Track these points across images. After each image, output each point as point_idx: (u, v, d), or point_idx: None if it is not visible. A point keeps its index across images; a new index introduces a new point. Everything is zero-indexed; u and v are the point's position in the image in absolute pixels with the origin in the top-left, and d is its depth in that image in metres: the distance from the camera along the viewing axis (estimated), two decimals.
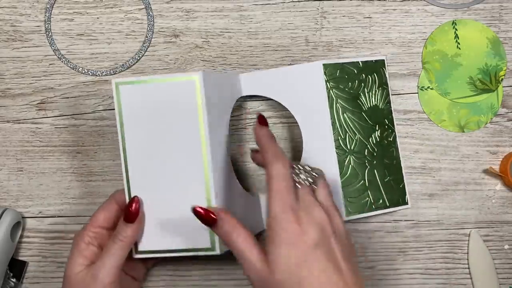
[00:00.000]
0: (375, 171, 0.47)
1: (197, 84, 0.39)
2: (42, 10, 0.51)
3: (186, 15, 0.51)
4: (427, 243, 0.50)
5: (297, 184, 0.37)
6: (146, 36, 0.51)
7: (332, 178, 0.44)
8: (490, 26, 0.51)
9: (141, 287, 0.47)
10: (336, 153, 0.46)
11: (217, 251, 0.39)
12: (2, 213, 0.47)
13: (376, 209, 0.46)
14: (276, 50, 0.51)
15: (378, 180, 0.47)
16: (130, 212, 0.39)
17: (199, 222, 0.36)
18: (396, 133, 0.49)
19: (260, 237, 0.47)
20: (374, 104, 0.48)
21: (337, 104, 0.46)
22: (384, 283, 0.50)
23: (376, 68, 0.49)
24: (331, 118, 0.46)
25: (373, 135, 0.47)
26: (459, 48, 0.51)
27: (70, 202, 0.51)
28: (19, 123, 0.51)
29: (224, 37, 0.51)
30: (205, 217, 0.36)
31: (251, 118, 0.51)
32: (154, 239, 0.40)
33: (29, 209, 0.51)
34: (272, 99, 0.48)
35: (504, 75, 0.51)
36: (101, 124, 0.51)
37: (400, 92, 0.51)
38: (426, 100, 0.51)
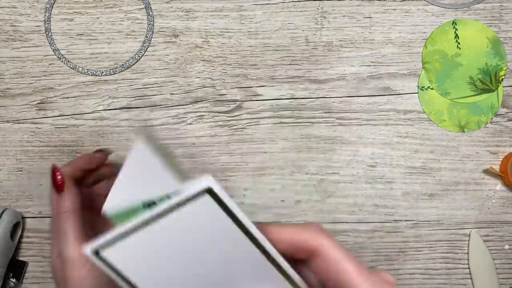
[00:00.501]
0: None
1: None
2: (42, 10, 0.51)
3: (186, 15, 0.51)
4: (427, 243, 0.50)
5: None
6: (146, 36, 0.51)
7: None
8: (490, 26, 0.51)
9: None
10: None
11: None
12: (2, 213, 0.47)
13: None
14: (276, 50, 0.51)
15: None
16: (57, 184, 0.39)
17: None
18: None
19: None
20: None
21: None
22: None
23: None
24: None
25: None
26: (459, 48, 0.51)
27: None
28: (19, 123, 0.51)
29: (224, 37, 0.51)
30: None
31: (251, 118, 0.51)
32: None
33: (29, 209, 0.51)
34: (272, 99, 0.48)
35: (504, 75, 0.51)
36: (101, 124, 0.51)
37: (400, 92, 0.51)
38: (426, 100, 0.51)
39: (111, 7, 0.51)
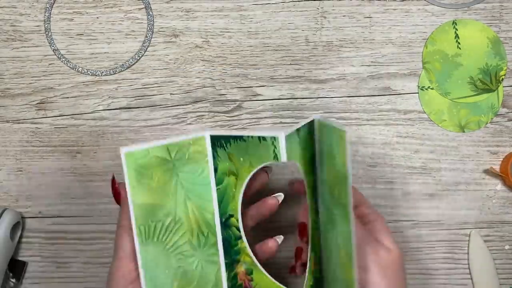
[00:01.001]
0: None
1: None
2: (42, 10, 0.51)
3: (186, 15, 0.51)
4: (427, 243, 0.50)
5: None
6: (146, 36, 0.51)
7: None
8: (490, 26, 0.51)
9: None
10: None
11: None
12: (2, 213, 0.47)
13: None
14: (276, 50, 0.51)
15: None
16: (114, 193, 0.38)
17: None
18: None
19: None
20: None
21: None
22: None
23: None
24: None
25: None
26: (460, 48, 0.51)
27: (70, 202, 0.51)
28: (18, 123, 0.51)
29: (224, 37, 0.51)
30: None
31: (250, 118, 0.51)
32: None
33: (29, 209, 0.51)
34: (272, 99, 0.48)
35: (504, 75, 0.51)
36: (101, 124, 0.51)
37: (400, 92, 0.51)
38: (426, 100, 0.51)
39: (111, 7, 0.51)
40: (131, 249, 0.36)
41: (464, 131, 0.51)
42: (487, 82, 0.51)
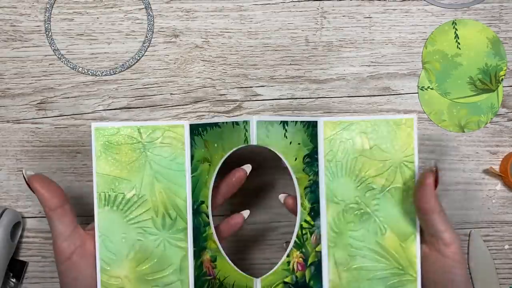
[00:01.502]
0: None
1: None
2: (42, 10, 0.51)
3: (186, 15, 0.51)
4: None
5: None
6: (146, 36, 0.51)
7: None
8: (490, 26, 0.51)
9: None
10: None
11: None
12: (2, 213, 0.47)
13: None
14: (276, 50, 0.51)
15: None
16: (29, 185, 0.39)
17: None
18: None
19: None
20: None
21: None
22: None
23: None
24: None
25: None
26: (459, 48, 0.51)
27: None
28: (19, 123, 0.51)
29: (224, 37, 0.51)
30: None
31: None
32: None
33: (29, 209, 0.51)
34: (272, 99, 0.48)
35: (504, 75, 0.51)
36: None
37: (400, 92, 0.51)
38: (426, 100, 0.51)
39: (111, 7, 0.51)
40: (62, 230, 0.39)
41: (463, 131, 0.51)
42: (487, 82, 0.51)
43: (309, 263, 0.41)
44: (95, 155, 0.40)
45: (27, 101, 0.51)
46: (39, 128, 0.51)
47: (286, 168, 0.41)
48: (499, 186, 0.51)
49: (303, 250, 0.41)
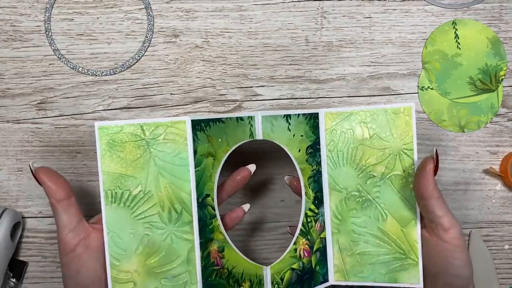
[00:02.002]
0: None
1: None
2: (42, 10, 0.51)
3: (186, 15, 0.51)
4: None
5: None
6: (146, 36, 0.51)
7: None
8: (490, 26, 0.51)
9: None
10: None
11: None
12: (2, 213, 0.47)
13: None
14: (276, 50, 0.51)
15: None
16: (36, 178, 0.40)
17: None
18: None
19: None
20: None
21: None
22: None
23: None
24: None
25: None
26: (459, 48, 0.51)
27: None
28: (19, 123, 0.51)
29: (224, 37, 0.51)
30: None
31: None
32: None
33: (29, 209, 0.51)
34: (272, 99, 0.48)
35: (504, 75, 0.51)
36: None
37: (400, 92, 0.51)
38: (426, 100, 0.51)
39: (111, 7, 0.51)
40: (67, 222, 0.39)
41: (463, 131, 0.51)
42: (487, 82, 0.51)
43: (314, 249, 0.43)
44: (100, 153, 0.40)
45: (27, 101, 0.51)
46: (39, 128, 0.51)
47: (290, 160, 0.42)
48: (499, 186, 0.51)
49: (309, 237, 0.43)
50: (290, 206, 0.52)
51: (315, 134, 0.43)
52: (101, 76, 0.51)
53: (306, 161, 0.43)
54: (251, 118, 0.41)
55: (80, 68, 0.51)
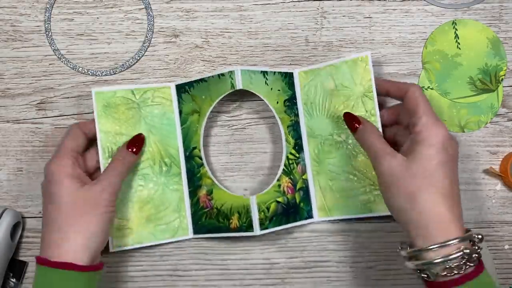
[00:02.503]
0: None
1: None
2: (42, 10, 0.51)
3: (186, 15, 0.51)
4: None
5: None
6: (146, 36, 0.51)
7: None
8: (490, 26, 0.51)
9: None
10: None
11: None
12: (2, 213, 0.47)
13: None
14: (276, 50, 0.51)
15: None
16: (136, 144, 0.46)
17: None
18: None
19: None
20: None
21: None
22: (384, 283, 0.50)
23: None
24: None
25: None
26: (459, 48, 0.51)
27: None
28: (19, 123, 0.51)
29: (224, 37, 0.51)
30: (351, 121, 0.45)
31: (251, 118, 0.51)
32: None
33: (29, 209, 0.51)
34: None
35: (504, 75, 0.51)
36: None
37: None
38: None
39: (111, 7, 0.51)
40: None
41: (463, 131, 0.51)
42: (487, 82, 0.51)
43: (297, 188, 0.48)
44: (97, 115, 0.46)
45: (27, 101, 0.51)
46: (39, 128, 0.51)
47: (270, 110, 0.48)
48: (499, 186, 0.51)
49: (291, 177, 0.48)
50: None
51: (291, 90, 0.49)
52: (101, 76, 0.51)
53: (285, 112, 0.48)
54: (231, 72, 0.46)
55: (80, 68, 0.51)
